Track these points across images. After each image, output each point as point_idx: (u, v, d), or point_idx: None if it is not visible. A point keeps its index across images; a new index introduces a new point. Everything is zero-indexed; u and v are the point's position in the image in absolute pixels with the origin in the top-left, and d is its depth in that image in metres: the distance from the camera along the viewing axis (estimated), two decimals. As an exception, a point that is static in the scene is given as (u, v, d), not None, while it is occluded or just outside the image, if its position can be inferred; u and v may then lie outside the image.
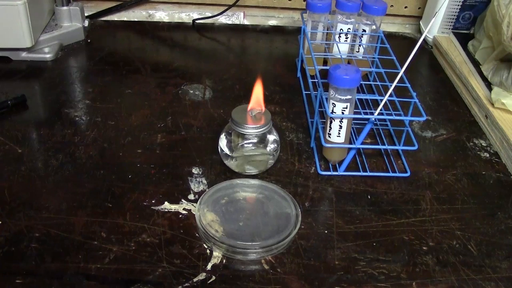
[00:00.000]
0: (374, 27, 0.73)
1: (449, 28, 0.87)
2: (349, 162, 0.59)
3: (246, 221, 0.51)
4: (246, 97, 0.57)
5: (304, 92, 0.73)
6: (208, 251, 0.48)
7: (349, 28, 0.72)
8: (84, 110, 0.67)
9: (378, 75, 0.71)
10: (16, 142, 0.60)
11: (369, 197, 0.56)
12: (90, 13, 0.90)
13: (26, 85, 0.72)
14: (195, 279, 0.45)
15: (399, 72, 0.57)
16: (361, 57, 0.74)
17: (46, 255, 0.46)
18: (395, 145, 0.64)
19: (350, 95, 0.55)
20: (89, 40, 0.84)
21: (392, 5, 0.93)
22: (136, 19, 0.93)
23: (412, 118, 0.61)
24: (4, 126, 0.62)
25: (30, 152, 0.59)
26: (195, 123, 0.65)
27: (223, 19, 0.94)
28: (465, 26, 0.86)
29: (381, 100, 0.57)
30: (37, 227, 0.49)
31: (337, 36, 0.73)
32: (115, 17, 0.93)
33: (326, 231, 0.51)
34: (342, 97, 0.55)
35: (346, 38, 0.73)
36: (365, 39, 0.74)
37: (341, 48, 0.73)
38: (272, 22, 0.95)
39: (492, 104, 0.68)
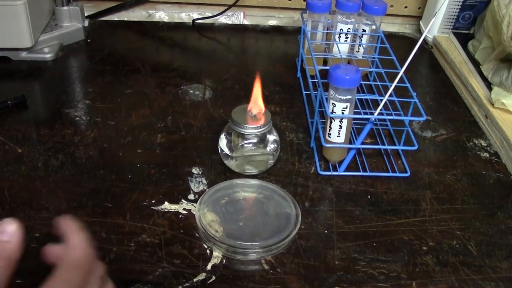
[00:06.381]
0: (374, 27, 0.73)
1: (449, 28, 0.86)
2: (349, 162, 0.59)
3: (246, 221, 0.51)
4: (246, 97, 0.57)
5: (304, 92, 0.73)
6: (208, 251, 0.48)
7: (349, 28, 0.72)
8: (84, 110, 0.66)
9: (378, 75, 0.71)
10: (16, 142, 0.60)
11: (369, 197, 0.56)
12: (90, 13, 0.90)
13: (26, 85, 0.72)
14: (195, 279, 0.45)
15: (399, 72, 0.57)
16: (361, 57, 0.74)
17: (46, 255, 0.46)
18: (395, 145, 0.64)
19: (350, 95, 0.55)
20: (89, 40, 0.84)
21: (392, 5, 0.93)
22: (136, 19, 0.93)
23: (412, 118, 0.61)
24: (4, 126, 0.62)
25: (30, 152, 0.59)
26: (195, 123, 0.65)
27: (223, 19, 0.94)
28: (465, 26, 0.86)
29: (381, 100, 0.57)
30: (37, 227, 0.49)
31: (337, 36, 0.73)
32: (115, 17, 0.93)
33: (326, 231, 0.51)
34: (342, 97, 0.55)
35: (346, 38, 0.73)
36: (365, 39, 0.74)
37: (341, 48, 0.73)
38: (272, 22, 0.95)
39: (492, 104, 0.68)
